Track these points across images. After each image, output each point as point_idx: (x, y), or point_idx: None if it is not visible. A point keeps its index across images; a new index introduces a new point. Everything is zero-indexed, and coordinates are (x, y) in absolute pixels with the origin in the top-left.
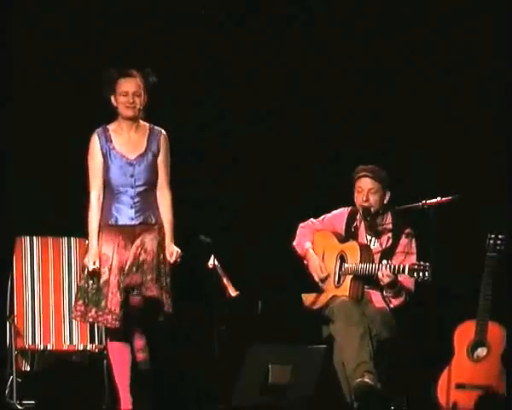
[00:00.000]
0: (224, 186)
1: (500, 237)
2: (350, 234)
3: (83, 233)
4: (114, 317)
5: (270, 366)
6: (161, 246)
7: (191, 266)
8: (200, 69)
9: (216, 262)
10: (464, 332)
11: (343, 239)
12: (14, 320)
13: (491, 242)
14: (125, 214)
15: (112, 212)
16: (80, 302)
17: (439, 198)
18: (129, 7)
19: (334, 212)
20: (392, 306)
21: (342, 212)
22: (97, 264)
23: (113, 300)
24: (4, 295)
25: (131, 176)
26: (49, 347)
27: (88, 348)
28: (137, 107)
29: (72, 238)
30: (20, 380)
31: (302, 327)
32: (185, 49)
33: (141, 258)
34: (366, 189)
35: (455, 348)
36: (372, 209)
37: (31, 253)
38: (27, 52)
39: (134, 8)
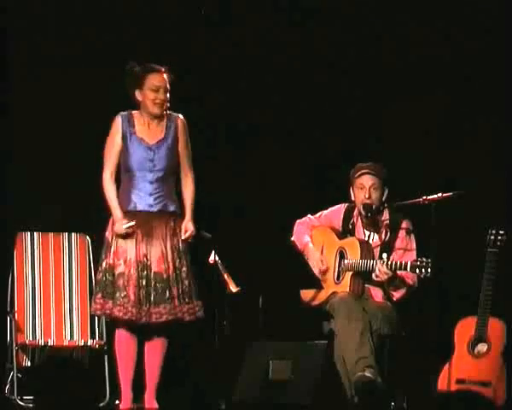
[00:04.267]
0: (224, 182)
1: (501, 232)
2: (347, 230)
3: (83, 229)
4: (134, 310)
5: (270, 362)
6: (178, 245)
7: (192, 261)
8: (199, 67)
9: (217, 258)
10: (465, 328)
11: (341, 235)
12: (14, 316)
13: (492, 237)
14: (144, 201)
15: (131, 197)
16: (99, 296)
17: (439, 194)
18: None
19: (331, 208)
20: (394, 299)
21: (339, 208)
22: (128, 222)
23: (131, 292)
24: (5, 290)
25: (151, 160)
26: (50, 342)
27: (88, 343)
28: (165, 104)
29: (72, 234)
30: (20, 376)
31: (302, 323)
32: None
33: (164, 275)
34: (368, 186)
35: (455, 343)
36: (374, 206)
37: (31, 248)
38: (25, 47)
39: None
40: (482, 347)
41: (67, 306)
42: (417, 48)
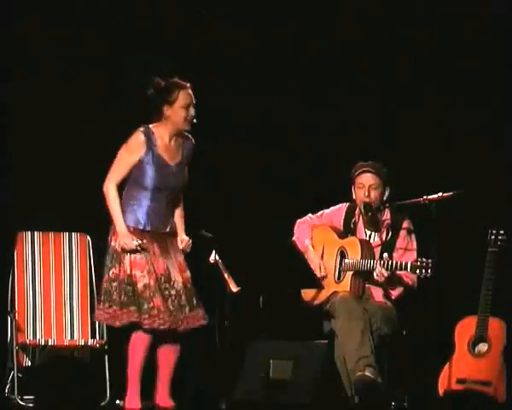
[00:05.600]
0: (224, 182)
1: (501, 232)
2: (349, 229)
3: (83, 229)
4: (161, 322)
5: (271, 362)
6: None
7: (192, 261)
8: (198, 67)
9: (217, 257)
10: (465, 328)
11: (342, 235)
12: (15, 315)
13: (493, 237)
14: (157, 221)
15: (144, 216)
16: (107, 305)
17: (440, 194)
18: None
19: (333, 208)
20: (393, 298)
21: (340, 207)
22: (136, 240)
23: (157, 303)
24: (5, 290)
25: (170, 182)
26: (50, 342)
27: (89, 343)
28: (193, 119)
29: (73, 233)
30: (20, 375)
31: (303, 323)
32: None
33: (183, 285)
34: (367, 184)
35: (456, 343)
36: (373, 205)
37: (32, 248)
38: (25, 47)
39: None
40: (482, 346)
41: (68, 305)
42: (417, 48)
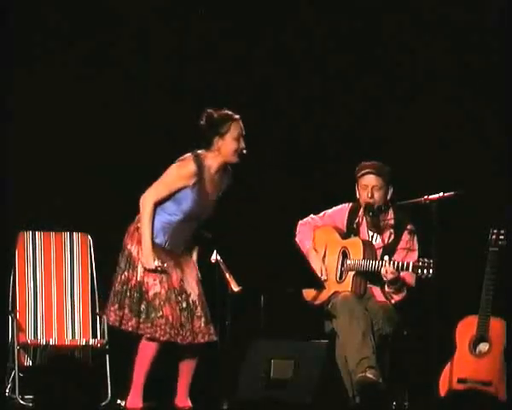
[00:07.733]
0: None
1: (502, 232)
2: (351, 230)
3: (84, 228)
4: (162, 332)
5: (272, 361)
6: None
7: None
8: (198, 67)
9: (218, 257)
10: (466, 327)
11: (345, 235)
12: (16, 315)
13: (494, 237)
14: (178, 243)
15: (167, 236)
16: (116, 306)
17: (441, 193)
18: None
19: (335, 208)
20: (393, 301)
21: (343, 208)
22: (157, 261)
23: (167, 312)
24: (7, 289)
25: (205, 213)
26: (52, 342)
27: (90, 343)
28: (243, 151)
29: (74, 233)
30: (22, 375)
31: (304, 322)
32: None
33: (199, 299)
34: (370, 185)
35: (457, 343)
36: (376, 205)
37: (33, 248)
38: (26, 46)
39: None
40: (483, 346)
41: (69, 305)
42: (418, 47)
